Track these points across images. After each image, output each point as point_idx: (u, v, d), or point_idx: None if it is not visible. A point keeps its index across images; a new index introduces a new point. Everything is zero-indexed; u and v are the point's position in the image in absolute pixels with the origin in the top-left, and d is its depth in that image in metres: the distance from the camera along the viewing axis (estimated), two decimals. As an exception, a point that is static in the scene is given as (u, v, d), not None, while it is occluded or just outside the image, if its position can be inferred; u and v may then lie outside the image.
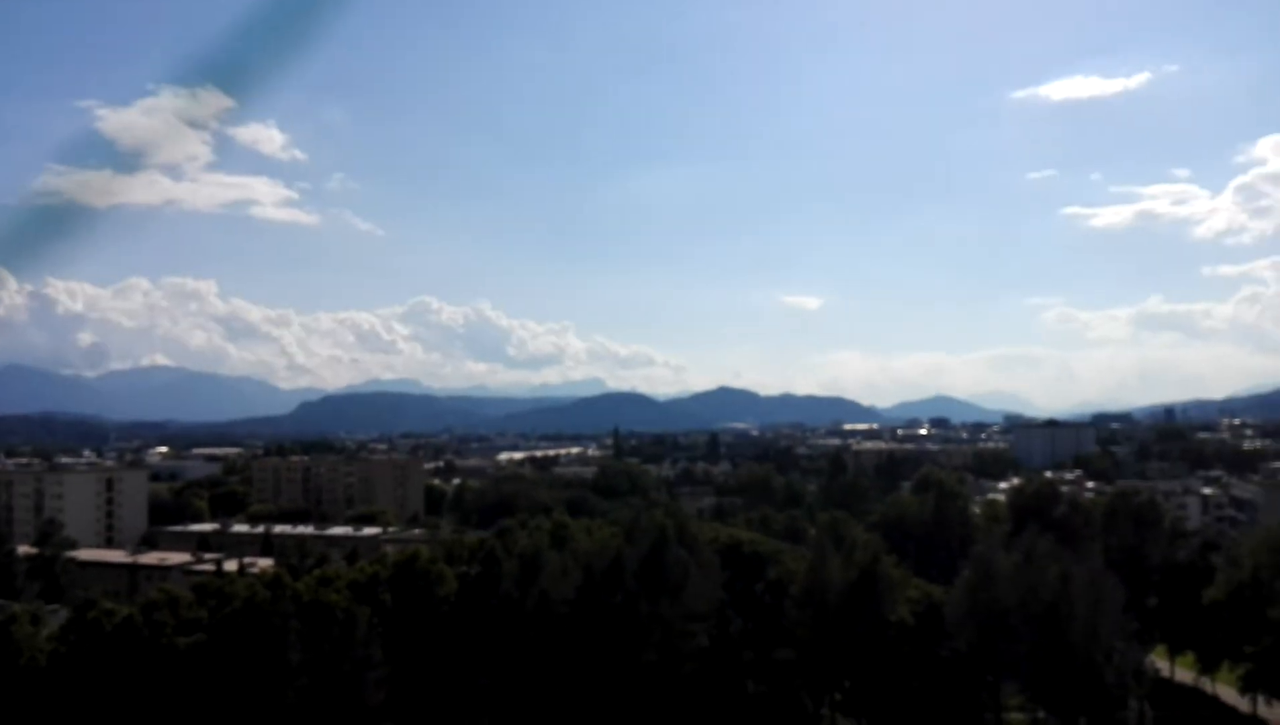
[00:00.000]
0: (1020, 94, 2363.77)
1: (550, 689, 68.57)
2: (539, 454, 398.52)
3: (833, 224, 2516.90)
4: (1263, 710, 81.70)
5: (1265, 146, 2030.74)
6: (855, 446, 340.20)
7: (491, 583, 73.74)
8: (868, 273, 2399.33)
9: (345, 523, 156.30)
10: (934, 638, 71.20)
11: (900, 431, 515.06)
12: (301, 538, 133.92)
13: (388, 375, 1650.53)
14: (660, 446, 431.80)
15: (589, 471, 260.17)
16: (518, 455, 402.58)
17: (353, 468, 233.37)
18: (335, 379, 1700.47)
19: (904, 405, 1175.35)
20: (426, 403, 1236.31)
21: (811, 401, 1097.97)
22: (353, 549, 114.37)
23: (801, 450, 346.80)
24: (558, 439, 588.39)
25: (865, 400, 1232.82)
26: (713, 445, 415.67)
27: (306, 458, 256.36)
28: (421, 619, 71.37)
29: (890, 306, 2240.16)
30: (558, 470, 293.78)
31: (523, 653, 69.61)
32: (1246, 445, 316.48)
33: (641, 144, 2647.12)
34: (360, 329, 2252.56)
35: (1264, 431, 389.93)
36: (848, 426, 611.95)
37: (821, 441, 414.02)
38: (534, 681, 69.15)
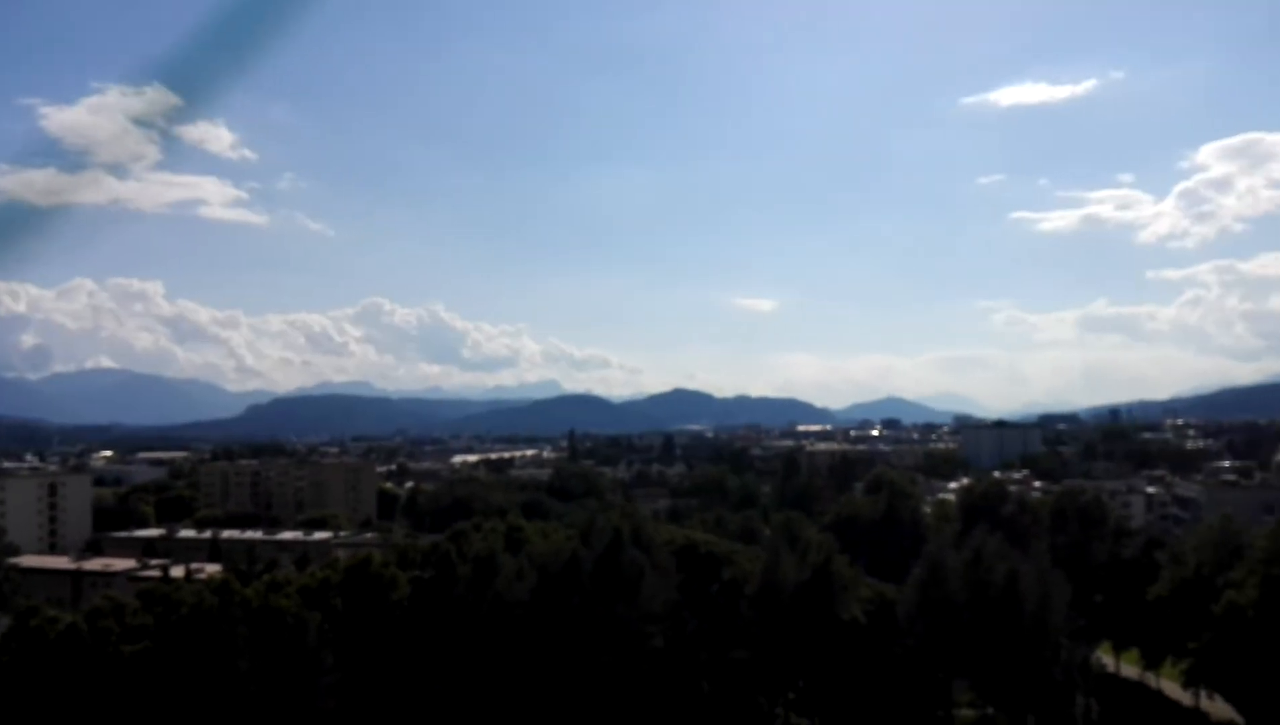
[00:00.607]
0: (970, 100, 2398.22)
1: (506, 692, 68.23)
2: (494, 456, 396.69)
3: (787, 227, 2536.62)
4: (1205, 704, 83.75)
5: (1207, 153, 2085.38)
6: (809, 448, 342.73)
7: (445, 586, 73.17)
8: (821, 275, 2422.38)
9: (296, 527, 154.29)
10: (886, 636, 72.03)
11: (853, 432, 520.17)
12: (250, 543, 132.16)
13: (339, 377, 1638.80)
14: (616, 448, 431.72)
15: (544, 474, 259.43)
16: (472, 458, 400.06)
17: (303, 471, 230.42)
18: (286, 381, 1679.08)
19: (856, 406, 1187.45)
20: (379, 405, 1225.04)
21: (766, 403, 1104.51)
22: (303, 554, 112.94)
23: (756, 451, 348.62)
24: (513, 441, 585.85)
25: (819, 402, 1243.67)
26: (668, 447, 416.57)
27: (256, 461, 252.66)
28: (374, 624, 70.60)
29: (843, 309, 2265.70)
30: (513, 473, 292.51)
31: (478, 657, 69.17)
32: (1189, 445, 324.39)
33: (596, 146, 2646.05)
34: (311, 331, 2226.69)
35: (1206, 432, 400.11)
36: (801, 428, 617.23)
37: (776, 443, 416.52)
38: (489, 685, 68.74)
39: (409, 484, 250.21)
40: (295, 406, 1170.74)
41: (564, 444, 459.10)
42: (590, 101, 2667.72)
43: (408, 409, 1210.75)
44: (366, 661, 69.07)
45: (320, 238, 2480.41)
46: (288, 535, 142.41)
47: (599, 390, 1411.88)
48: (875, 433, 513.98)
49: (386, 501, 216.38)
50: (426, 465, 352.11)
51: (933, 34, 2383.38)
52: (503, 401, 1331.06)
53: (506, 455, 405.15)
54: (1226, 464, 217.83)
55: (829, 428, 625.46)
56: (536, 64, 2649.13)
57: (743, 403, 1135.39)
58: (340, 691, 66.51)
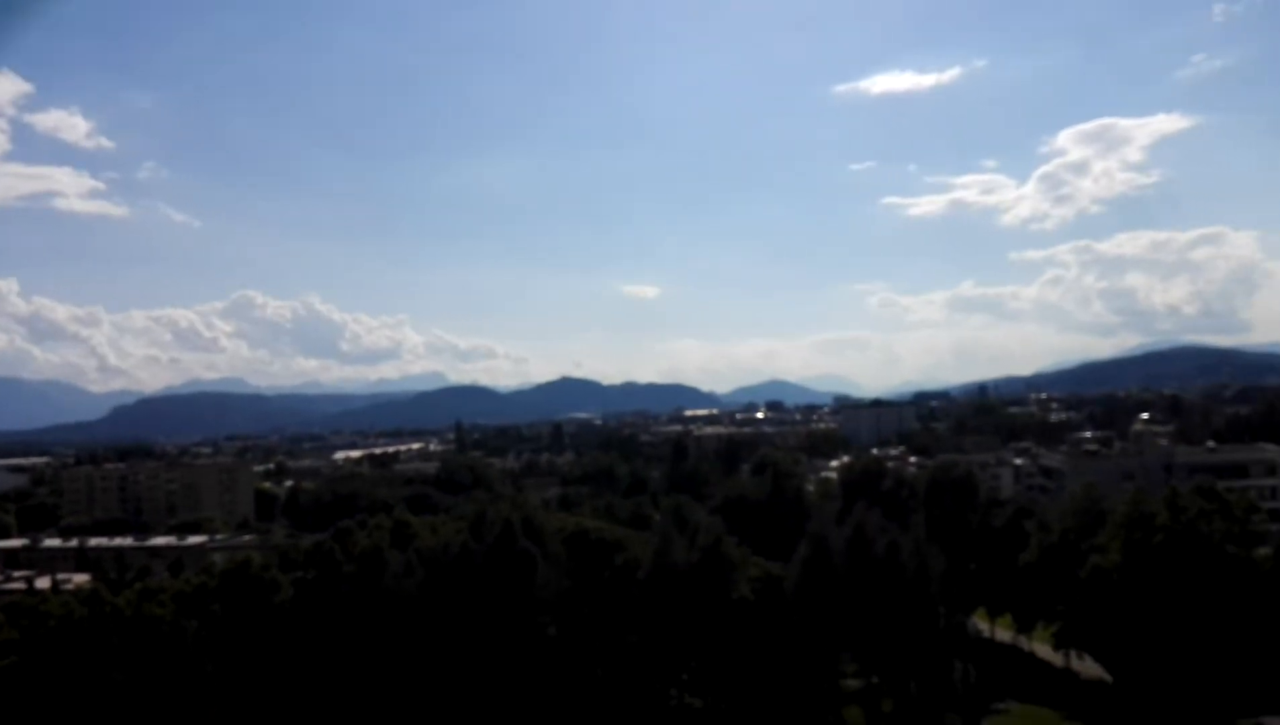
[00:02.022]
0: (842, 88, 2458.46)
1: (398, 689, 67.05)
2: (378, 451, 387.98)
3: (669, 214, 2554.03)
4: (1075, 664, 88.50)
5: (1065, 138, 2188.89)
6: (696, 432, 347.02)
7: (331, 586, 71.40)
8: (704, 262, 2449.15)
9: (168, 532, 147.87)
10: (775, 612, 73.56)
11: (738, 416, 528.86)
12: (120, 550, 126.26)
13: (210, 375, 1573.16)
14: (504, 439, 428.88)
15: (431, 467, 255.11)
16: (355, 454, 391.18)
17: (174, 474, 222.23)
18: (153, 380, 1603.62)
19: (741, 390, 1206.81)
20: (254, 402, 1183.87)
21: (653, 389, 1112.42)
22: (177, 559, 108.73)
23: (645, 437, 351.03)
24: (397, 435, 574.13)
25: (705, 386, 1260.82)
26: (557, 435, 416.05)
27: (123, 465, 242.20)
28: (256, 629, 68.36)
29: (726, 294, 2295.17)
30: (398, 467, 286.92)
31: (367, 655, 67.76)
32: (1053, 418, 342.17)
33: (478, 133, 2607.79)
34: (178, 326, 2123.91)
35: (1068, 405, 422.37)
36: (689, 413, 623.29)
37: (664, 428, 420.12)
38: (381, 683, 67.43)
39: (288, 483, 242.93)
40: (163, 406, 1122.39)
41: (451, 436, 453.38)
42: (471, 88, 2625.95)
43: (284, 405, 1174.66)
44: (250, 667, 66.82)
45: (185, 229, 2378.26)
46: (160, 541, 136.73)
47: (485, 381, 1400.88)
48: (760, 415, 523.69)
49: (265, 502, 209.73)
50: (306, 463, 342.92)
51: (806, 23, 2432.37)
52: (385, 395, 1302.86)
53: (391, 450, 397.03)
54: (1088, 435, 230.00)
55: (715, 412, 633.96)
56: (416, 49, 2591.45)
57: (630, 389, 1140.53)
58: (223, 700, 64.14)
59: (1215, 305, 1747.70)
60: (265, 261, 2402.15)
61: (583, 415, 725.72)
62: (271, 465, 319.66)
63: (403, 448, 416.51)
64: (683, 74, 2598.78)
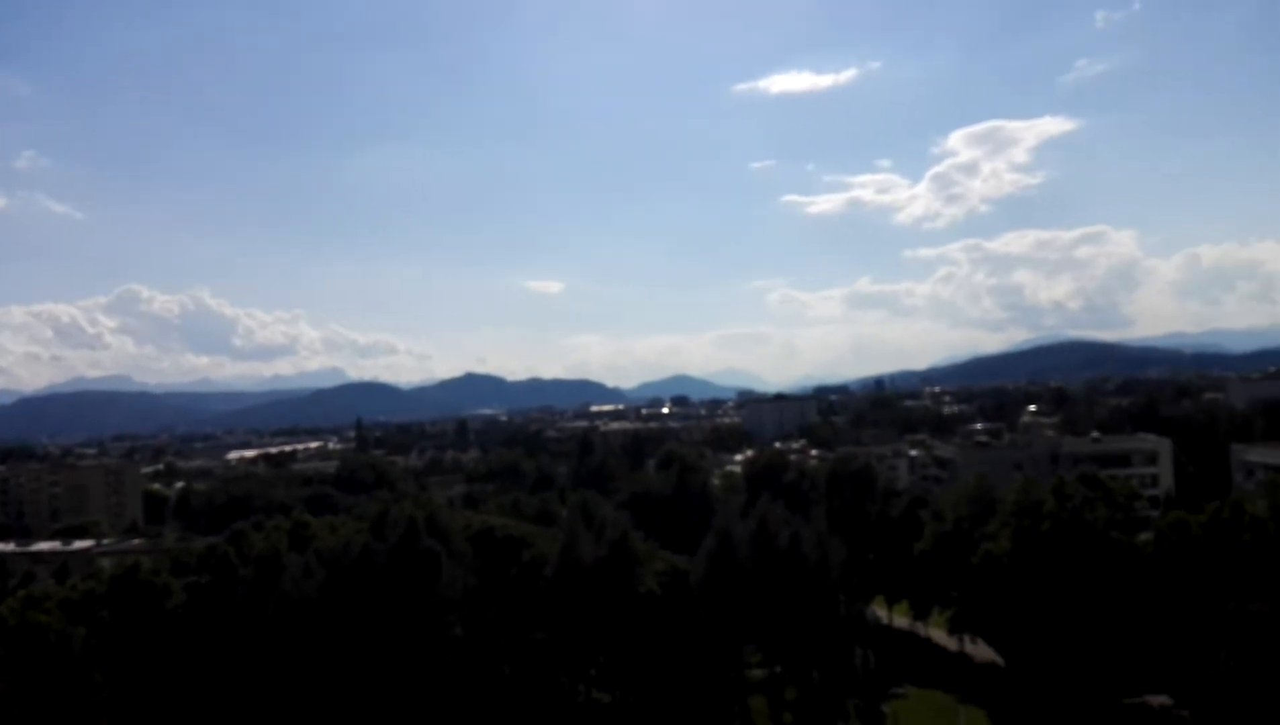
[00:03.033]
0: (742, 87, 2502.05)
1: (299, 693, 65.37)
2: (274, 451, 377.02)
3: (573, 210, 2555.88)
4: (969, 648, 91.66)
5: (956, 139, 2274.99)
6: (602, 427, 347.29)
7: (226, 590, 69.25)
8: (608, 258, 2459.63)
9: (52, 537, 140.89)
10: (681, 606, 74.18)
11: (644, 411, 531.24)
12: (2, 556, 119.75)
13: (94, 372, 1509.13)
14: (406, 436, 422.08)
15: (330, 466, 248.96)
16: (249, 453, 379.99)
17: (58, 476, 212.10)
18: (33, 379, 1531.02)
19: (646, 385, 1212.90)
20: (142, 401, 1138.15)
21: (559, 385, 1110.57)
22: (63, 565, 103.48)
23: (551, 433, 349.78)
24: (294, 434, 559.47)
25: (610, 382, 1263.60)
26: (461, 432, 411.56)
27: (3, 467, 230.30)
28: (148, 635, 65.88)
29: (630, 290, 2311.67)
30: (295, 467, 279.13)
31: (265, 660, 65.88)
32: (946, 410, 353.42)
33: (377, 126, 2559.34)
34: (59, 322, 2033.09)
35: (960, 398, 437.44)
36: (594, 408, 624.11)
37: (570, 424, 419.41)
38: (280, 688, 65.63)
39: (179, 484, 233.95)
40: (45, 406, 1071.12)
41: (351, 434, 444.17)
42: (371, 78, 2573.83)
43: (174, 404, 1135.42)
44: (142, 676, 64.35)
45: (66, 221, 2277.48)
46: (43, 546, 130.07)
47: (386, 377, 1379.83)
48: (665, 411, 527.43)
49: (154, 504, 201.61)
50: (198, 463, 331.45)
51: (707, 23, 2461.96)
52: (281, 392, 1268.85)
53: (288, 449, 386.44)
54: (979, 427, 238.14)
55: (621, 407, 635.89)
56: (312, 36, 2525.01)
57: (536, 385, 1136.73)
58: (114, 709, 61.59)
59: (1097, 301, 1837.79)
60: (152, 254, 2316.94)
61: (488, 412, 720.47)
62: (161, 466, 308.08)
63: (300, 447, 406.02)
64: (586, 69, 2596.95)
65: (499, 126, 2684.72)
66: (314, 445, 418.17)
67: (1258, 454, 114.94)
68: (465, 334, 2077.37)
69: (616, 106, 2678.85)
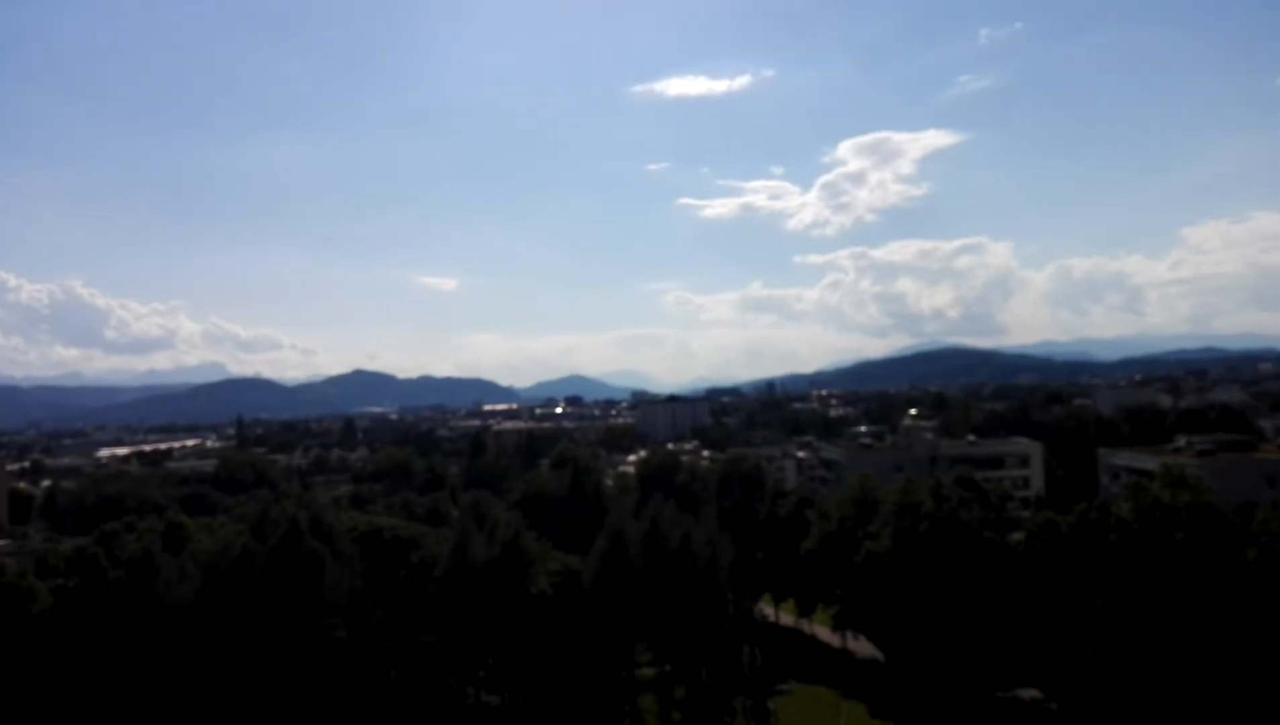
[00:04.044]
0: (640, 88, 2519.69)
1: (173, 701, 62.72)
2: (148, 448, 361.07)
3: (468, 206, 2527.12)
4: (851, 644, 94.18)
5: (845, 149, 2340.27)
6: (496, 427, 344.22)
7: (96, 594, 65.99)
8: (503, 255, 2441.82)
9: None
10: (573, 606, 74.10)
11: (538, 411, 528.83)
12: None
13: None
14: (290, 434, 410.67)
15: (208, 465, 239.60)
16: (122, 451, 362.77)
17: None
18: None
19: (541, 385, 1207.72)
20: (6, 395, 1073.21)
21: (451, 383, 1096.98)
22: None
23: (443, 432, 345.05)
24: (171, 431, 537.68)
25: (504, 381, 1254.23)
26: (349, 431, 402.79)
27: None
28: (11, 641, 62.35)
29: (526, 289, 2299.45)
30: (171, 465, 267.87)
31: (137, 667, 63.01)
32: (833, 413, 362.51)
33: (263, 113, 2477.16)
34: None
35: (846, 401, 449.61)
36: (488, 407, 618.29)
37: (462, 423, 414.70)
38: (154, 696, 62.85)
39: (45, 483, 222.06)
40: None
41: (231, 432, 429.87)
42: (261, 65, 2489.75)
43: (42, 398, 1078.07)
44: (4, 683, 60.79)
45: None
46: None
47: (270, 373, 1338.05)
48: (559, 410, 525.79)
49: (19, 503, 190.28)
50: (67, 461, 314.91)
51: (604, 21, 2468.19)
52: (158, 387, 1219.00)
53: (164, 446, 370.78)
54: (863, 429, 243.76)
55: (515, 407, 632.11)
56: (201, 16, 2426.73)
57: (427, 383, 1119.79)
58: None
59: (975, 310, 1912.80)
60: (19, 240, 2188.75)
61: (377, 410, 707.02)
62: (27, 463, 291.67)
63: (177, 444, 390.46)
64: (483, 62, 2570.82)
65: (394, 117, 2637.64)
66: (191, 443, 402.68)
67: (1123, 458, 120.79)
68: (354, 330, 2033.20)
69: (514, 101, 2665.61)
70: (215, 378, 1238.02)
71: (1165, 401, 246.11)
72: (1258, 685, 59.33)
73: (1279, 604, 59.48)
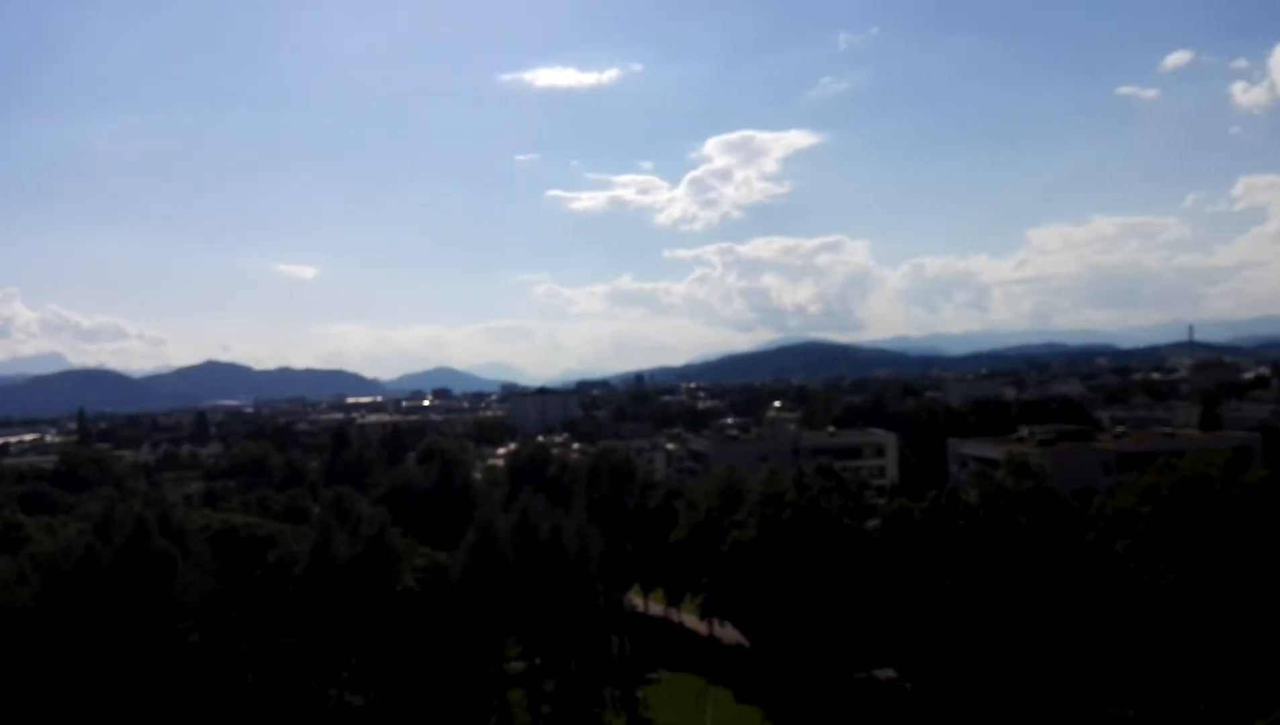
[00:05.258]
0: (508, 77, 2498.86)
1: (15, 711, 58.79)
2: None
3: (328, 192, 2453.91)
4: (718, 631, 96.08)
5: (712, 146, 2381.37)
6: (360, 420, 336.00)
7: (-83, 602, 61.10)
8: (366, 244, 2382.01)
9: None
10: (441, 602, 73.04)
11: (405, 403, 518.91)
12: None
13: None
14: (137, 428, 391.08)
15: (48, 461, 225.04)
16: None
17: None
18: None
19: (407, 377, 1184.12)
20: None
21: (311, 375, 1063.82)
22: None
23: (302, 426, 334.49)
24: (6, 425, 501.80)
25: (368, 373, 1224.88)
26: (200, 425, 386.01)
27: None
28: None
29: (390, 278, 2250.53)
30: (7, 462, 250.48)
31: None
32: (701, 405, 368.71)
33: (108, 87, 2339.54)
34: None
35: (713, 393, 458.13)
36: (351, 400, 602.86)
37: (324, 416, 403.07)
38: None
39: None
40: None
41: (72, 426, 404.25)
42: (100, 37, 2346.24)
43: None
44: None
45: None
46: None
47: (114, 364, 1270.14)
48: (427, 403, 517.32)
49: None
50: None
51: (471, 6, 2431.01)
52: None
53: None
54: (730, 421, 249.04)
55: (380, 399, 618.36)
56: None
57: (286, 375, 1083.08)
58: None
59: (835, 306, 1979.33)
60: None
61: (231, 403, 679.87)
62: None
63: (13, 439, 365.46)
64: (344, 43, 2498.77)
65: (247, 97, 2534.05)
66: (29, 438, 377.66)
67: (971, 447, 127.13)
68: (206, 318, 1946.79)
69: (378, 84, 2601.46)
70: (54, 369, 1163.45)
71: (1009, 394, 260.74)
72: (1095, 658, 63.63)
73: (1115, 584, 63.95)
